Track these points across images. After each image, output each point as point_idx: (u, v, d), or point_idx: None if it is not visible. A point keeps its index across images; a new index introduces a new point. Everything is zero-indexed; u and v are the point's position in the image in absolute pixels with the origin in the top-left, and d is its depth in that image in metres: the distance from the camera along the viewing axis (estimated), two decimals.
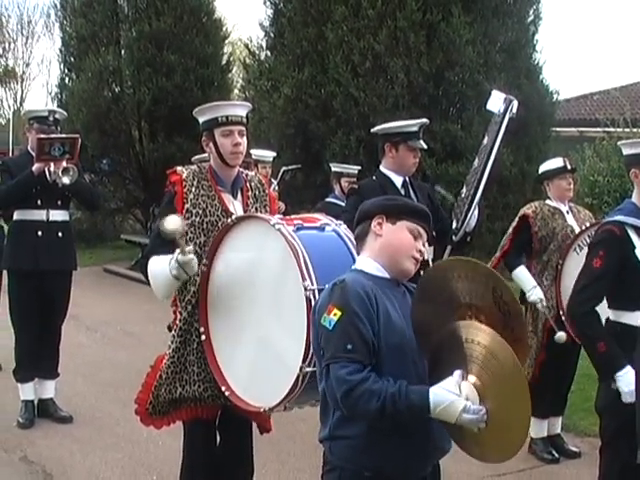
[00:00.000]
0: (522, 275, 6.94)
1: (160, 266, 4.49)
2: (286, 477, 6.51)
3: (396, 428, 3.29)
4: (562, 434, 7.31)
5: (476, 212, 6.21)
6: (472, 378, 3.23)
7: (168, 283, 4.50)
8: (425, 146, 6.30)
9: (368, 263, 3.53)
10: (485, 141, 6.23)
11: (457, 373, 3.22)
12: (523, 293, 6.94)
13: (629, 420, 4.42)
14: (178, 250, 4.33)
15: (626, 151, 4.85)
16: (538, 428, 7.05)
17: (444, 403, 3.16)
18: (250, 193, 4.89)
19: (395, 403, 3.17)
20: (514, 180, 13.96)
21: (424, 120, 6.40)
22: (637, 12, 72.49)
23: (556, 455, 7.06)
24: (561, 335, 6.58)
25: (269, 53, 16.60)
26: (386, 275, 3.51)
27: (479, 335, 3.25)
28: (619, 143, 5.13)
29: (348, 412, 3.28)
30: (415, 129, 6.22)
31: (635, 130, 19.28)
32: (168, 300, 4.76)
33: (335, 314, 3.28)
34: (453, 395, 3.17)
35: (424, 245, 3.58)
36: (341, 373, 3.23)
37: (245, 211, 4.78)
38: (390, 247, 3.49)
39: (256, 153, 11.40)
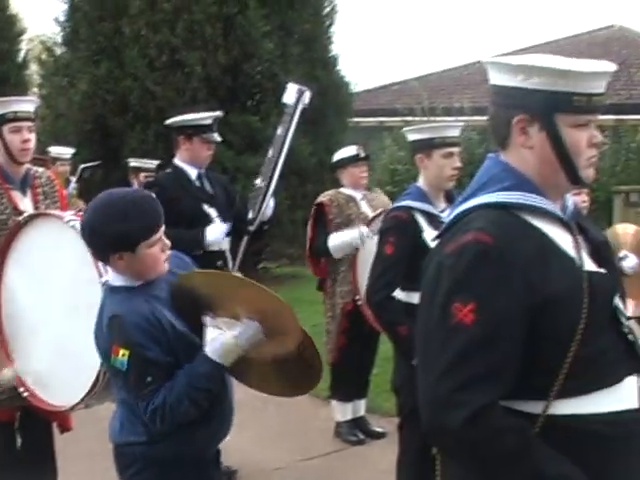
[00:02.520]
0: (336, 236, 6.89)
1: None
2: (95, 476, 6.42)
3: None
4: (367, 416, 7.44)
5: (272, 202, 6.29)
6: (219, 313, 3.33)
7: None
8: (219, 139, 6.33)
9: (123, 280, 3.40)
10: (279, 132, 6.32)
11: (207, 320, 3.32)
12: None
13: None
14: None
15: (411, 137, 4.99)
16: (342, 411, 7.19)
17: (220, 348, 3.25)
18: (40, 190, 4.79)
19: (196, 389, 3.24)
20: (313, 170, 14.11)
21: (218, 113, 6.44)
22: (432, 5, 74.63)
23: (362, 436, 7.19)
24: None
25: (65, 48, 16.24)
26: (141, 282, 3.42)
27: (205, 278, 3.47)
28: (404, 129, 5.28)
29: (174, 425, 3.31)
30: (209, 122, 6.25)
31: (432, 119, 19.85)
32: None
33: (123, 354, 3.23)
34: (218, 336, 3.27)
35: (165, 234, 3.41)
36: (149, 410, 3.25)
37: (36, 208, 4.68)
38: (140, 271, 3.35)
39: (54, 150, 11.18)
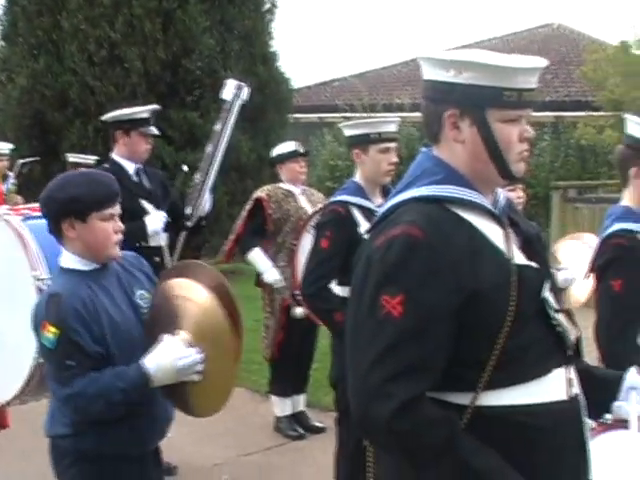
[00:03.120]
0: (257, 257, 7.01)
1: None
2: (32, 474, 6.36)
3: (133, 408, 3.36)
4: (306, 410, 7.46)
5: (209, 197, 6.29)
6: (182, 333, 3.37)
7: None
8: (157, 132, 6.32)
9: (73, 260, 3.45)
10: (217, 127, 6.32)
11: (164, 336, 3.35)
12: (259, 275, 7.08)
13: None
14: None
15: (347, 132, 5.02)
16: (282, 406, 7.21)
17: (158, 365, 3.27)
18: None
19: (118, 390, 3.24)
20: (252, 166, 14.09)
21: (155, 106, 6.42)
22: (373, 2, 74.85)
23: (301, 431, 7.22)
24: (299, 311, 6.73)
25: (3, 43, 16.04)
26: (93, 266, 3.46)
27: (189, 292, 3.42)
28: (340, 125, 5.30)
29: (88, 419, 3.34)
30: (146, 115, 6.23)
31: (373, 115, 19.95)
32: None
33: (54, 333, 3.25)
34: (163, 354, 3.29)
35: (119, 216, 3.49)
36: (65, 393, 3.27)
37: None
38: (90, 246, 3.41)
39: None
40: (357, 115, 20.65)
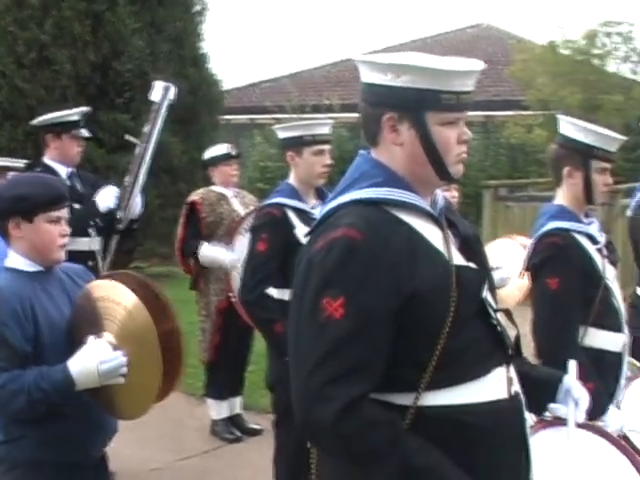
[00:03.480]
0: (208, 250, 6.92)
1: None
2: None
3: (63, 413, 3.33)
4: (243, 413, 7.46)
5: (140, 199, 6.24)
6: (107, 335, 3.35)
7: None
8: (88, 134, 6.26)
9: (18, 261, 3.47)
10: (145, 129, 6.29)
11: (89, 338, 3.32)
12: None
13: None
14: None
15: (281, 134, 5.01)
16: (218, 409, 7.19)
17: (82, 368, 3.25)
18: None
19: (40, 388, 3.21)
20: (185, 168, 14.00)
21: (85, 108, 6.38)
22: (302, 3, 75.01)
23: (238, 434, 7.21)
24: None
25: None
26: (37, 268, 3.47)
27: (113, 292, 3.42)
28: (274, 127, 5.30)
29: (6, 417, 3.33)
30: (76, 118, 6.18)
31: (303, 116, 20.00)
32: None
33: None
34: (87, 357, 3.27)
35: (66, 222, 3.52)
36: None
37: None
38: (35, 247, 3.44)
39: None
40: (287, 116, 20.69)
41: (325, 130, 4.94)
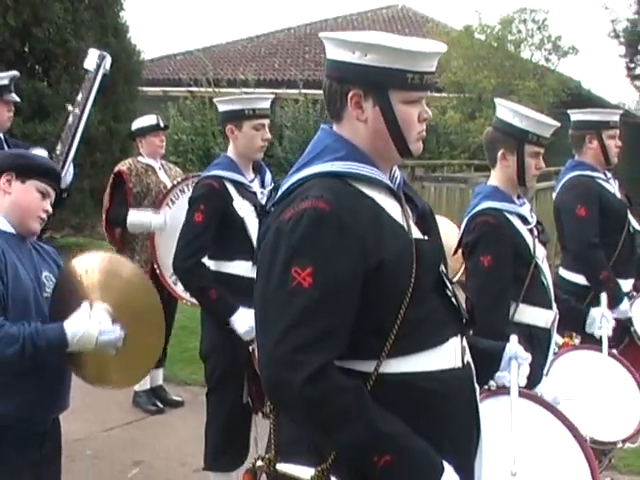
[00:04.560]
0: (135, 216, 6.91)
1: None
2: None
3: (34, 369, 3.34)
4: (164, 385, 7.51)
5: (71, 168, 6.22)
6: (101, 304, 3.40)
7: None
8: (18, 99, 6.22)
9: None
10: (79, 98, 6.24)
11: (84, 304, 3.37)
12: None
13: (233, 364, 4.69)
14: None
15: (221, 108, 5.02)
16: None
17: (79, 332, 3.28)
18: None
19: (34, 342, 3.23)
20: (102, 138, 13.80)
21: (14, 72, 6.34)
22: None
23: (160, 405, 7.27)
24: None
25: None
26: (13, 231, 3.52)
27: (100, 263, 3.54)
28: (215, 100, 5.32)
29: None
30: (6, 82, 6.13)
31: (217, 90, 19.95)
32: None
33: None
34: (86, 322, 3.31)
35: (51, 204, 3.60)
36: None
37: None
38: (18, 207, 3.51)
39: None
40: (202, 90, 20.62)
41: (266, 105, 4.97)
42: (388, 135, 2.52)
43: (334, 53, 2.53)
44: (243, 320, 4.66)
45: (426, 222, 2.66)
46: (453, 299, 2.58)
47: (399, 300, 2.40)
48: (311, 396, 2.28)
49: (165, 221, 6.69)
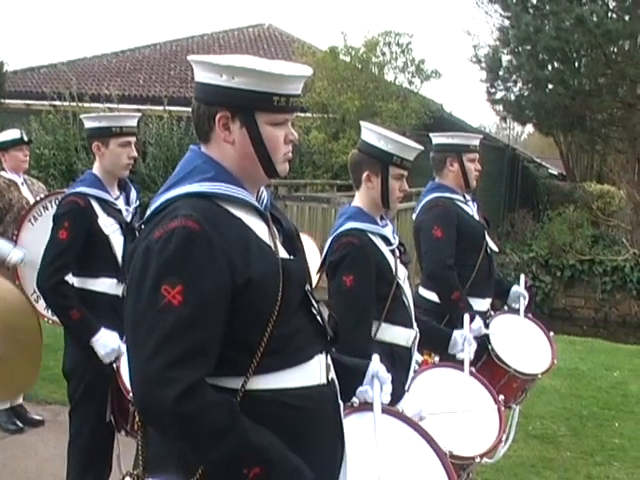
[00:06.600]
0: None
1: None
2: None
3: None
4: (24, 403, 7.35)
5: None
6: None
7: None
8: None
9: None
10: None
11: None
12: None
13: (96, 382, 4.66)
14: None
15: (88, 124, 4.96)
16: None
17: None
18: None
19: None
20: None
21: None
22: None
23: (20, 425, 7.11)
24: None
25: None
26: None
27: None
28: (82, 116, 5.26)
29: None
30: None
31: (80, 104, 19.72)
32: None
33: None
34: None
35: None
36: None
37: None
38: None
39: None
40: (66, 104, 20.34)
41: (133, 123, 4.97)
42: (255, 156, 2.59)
43: (202, 76, 2.58)
44: (104, 342, 4.65)
45: (292, 242, 2.73)
46: (318, 317, 2.66)
47: (266, 318, 2.46)
48: (183, 412, 2.31)
49: (22, 257, 6.55)
